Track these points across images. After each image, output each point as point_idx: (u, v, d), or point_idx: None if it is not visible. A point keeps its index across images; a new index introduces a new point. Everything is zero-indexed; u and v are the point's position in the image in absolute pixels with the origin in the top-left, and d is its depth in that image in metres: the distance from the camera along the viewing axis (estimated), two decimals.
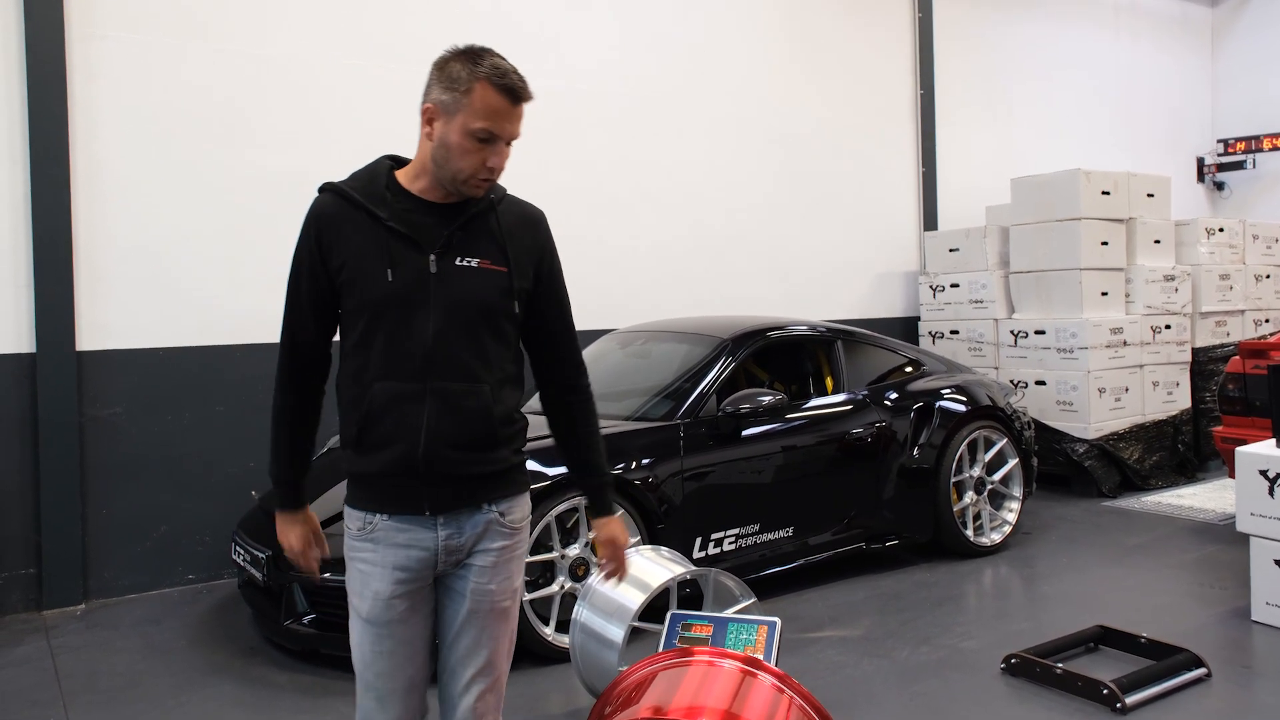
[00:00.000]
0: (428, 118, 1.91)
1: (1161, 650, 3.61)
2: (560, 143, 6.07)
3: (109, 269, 4.74)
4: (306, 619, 3.82)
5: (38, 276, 4.53)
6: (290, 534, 2.12)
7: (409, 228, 1.92)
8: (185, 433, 4.93)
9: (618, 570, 2.20)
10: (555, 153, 6.03)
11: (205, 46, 4.98)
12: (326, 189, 1.98)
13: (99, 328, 4.71)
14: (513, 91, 1.86)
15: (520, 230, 2.03)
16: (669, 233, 6.60)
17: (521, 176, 5.76)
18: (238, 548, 4.17)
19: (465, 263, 1.94)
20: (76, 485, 4.63)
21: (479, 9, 5.83)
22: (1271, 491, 3.97)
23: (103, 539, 4.74)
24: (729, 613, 2.18)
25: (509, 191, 2.07)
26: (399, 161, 2.02)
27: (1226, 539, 5.29)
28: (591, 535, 3.93)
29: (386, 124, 5.43)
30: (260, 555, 3.93)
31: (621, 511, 2.14)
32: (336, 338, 2.03)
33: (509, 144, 1.91)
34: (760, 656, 2.06)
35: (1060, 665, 3.49)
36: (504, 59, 1.89)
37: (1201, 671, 3.50)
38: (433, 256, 1.91)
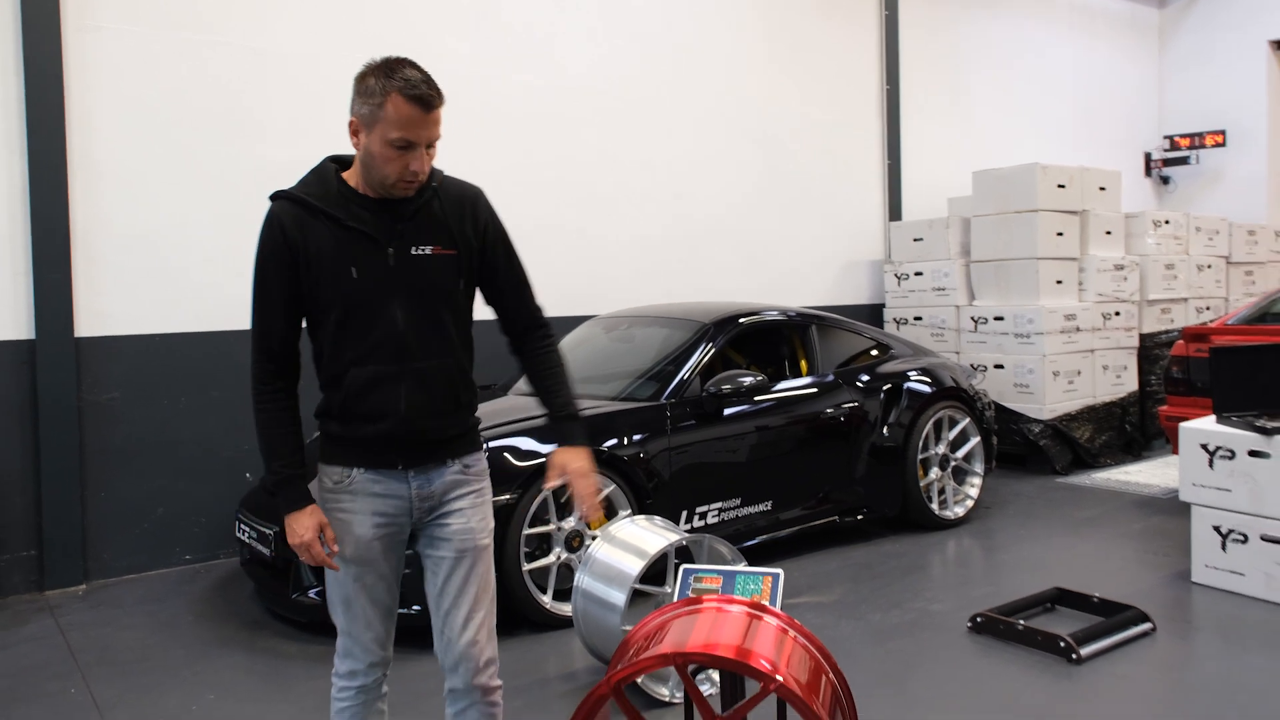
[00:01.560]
0: (353, 130, 2.08)
1: (1112, 608, 3.94)
2: (548, 138, 6.26)
3: (106, 257, 4.85)
4: (313, 591, 4.00)
5: (36, 264, 4.62)
6: (301, 528, 2.13)
7: (365, 225, 2.10)
8: (182, 417, 5.06)
9: (584, 501, 2.22)
10: (543, 148, 6.22)
11: (202, 38, 5.08)
12: (281, 196, 2.14)
13: (97, 314, 4.82)
14: (422, 100, 2.01)
15: (461, 210, 2.20)
16: (651, 225, 6.81)
17: (510, 169, 6.00)
18: (243, 525, 4.33)
19: (419, 251, 2.13)
20: (76, 468, 4.74)
21: (470, 6, 5.98)
22: (1211, 463, 4.31)
23: (102, 521, 4.85)
24: (736, 567, 2.42)
25: (448, 175, 2.24)
26: (342, 162, 2.19)
27: (1169, 510, 5.67)
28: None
29: None
30: (267, 531, 4.10)
31: (585, 447, 2.28)
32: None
33: (429, 147, 2.06)
34: (766, 603, 2.30)
35: (1021, 622, 3.80)
36: (417, 69, 2.03)
37: (1148, 626, 3.83)
38: (390, 250, 2.10)
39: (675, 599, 2.33)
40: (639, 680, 3.27)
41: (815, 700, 2.05)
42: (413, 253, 2.13)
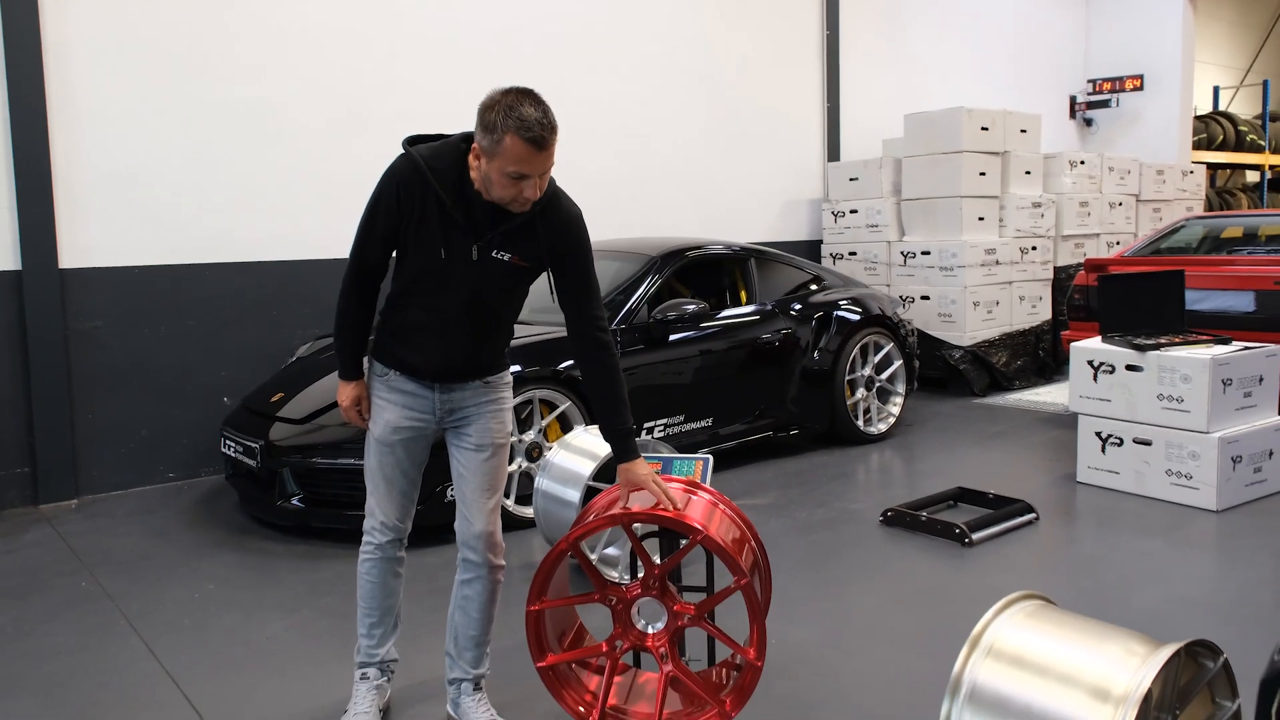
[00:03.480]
0: (474, 154, 2.36)
1: (1003, 502, 4.53)
2: (497, 77, 6.48)
3: (86, 192, 5.10)
4: (295, 499, 4.42)
5: (20, 199, 4.86)
6: (345, 395, 2.66)
7: (465, 219, 2.41)
8: (161, 345, 5.38)
9: (659, 496, 2.50)
10: (492, 86, 6.48)
11: None
12: (410, 158, 2.40)
13: (79, 247, 5.09)
14: (537, 142, 2.26)
15: (553, 233, 2.48)
16: (600, 163, 7.15)
17: (459, 107, 6.25)
18: (228, 441, 4.71)
19: (499, 255, 2.46)
20: (65, 392, 5.06)
21: None
22: (1095, 377, 4.90)
23: (90, 441, 5.19)
24: (673, 454, 2.90)
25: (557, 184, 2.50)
26: (470, 144, 2.40)
27: (1068, 425, 6.29)
28: (544, 424, 4.63)
29: (346, 57, 5.85)
30: (253, 445, 4.49)
31: (642, 457, 2.59)
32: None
33: (542, 176, 2.34)
34: (699, 481, 2.78)
35: (925, 514, 4.37)
36: (534, 107, 2.26)
37: (1032, 516, 4.44)
38: (475, 246, 2.43)
39: None
40: (594, 558, 3.77)
41: (739, 556, 2.55)
42: (493, 255, 2.46)
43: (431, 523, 4.11)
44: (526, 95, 2.33)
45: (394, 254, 2.56)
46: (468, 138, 2.44)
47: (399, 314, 2.58)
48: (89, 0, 5.04)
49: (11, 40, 4.78)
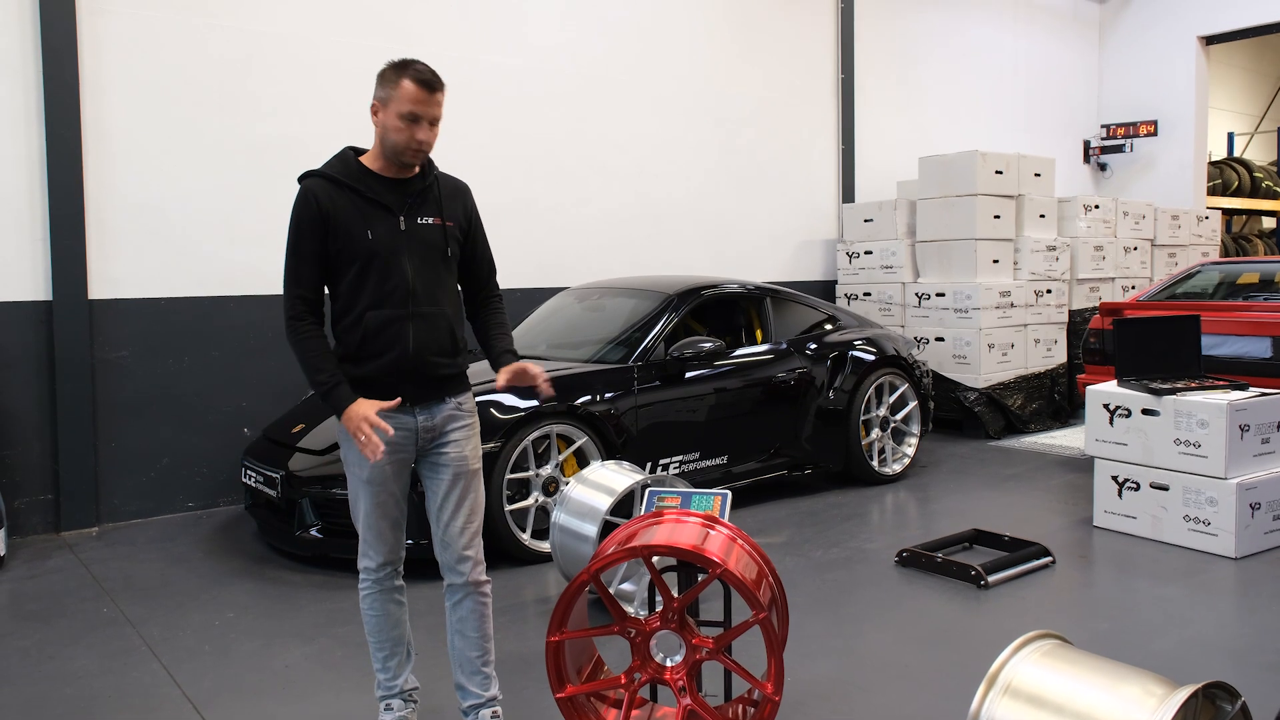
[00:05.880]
0: (374, 111, 2.63)
1: (1019, 545, 4.52)
2: (517, 116, 6.67)
3: (116, 225, 5.22)
4: (314, 529, 4.46)
5: (53, 231, 4.98)
6: (360, 412, 2.50)
7: (381, 197, 2.63)
8: (185, 375, 5.46)
9: (537, 378, 2.69)
10: (512, 125, 6.64)
11: (204, 20, 5.45)
12: (312, 175, 2.63)
13: (108, 278, 5.20)
14: (427, 83, 2.57)
15: (454, 197, 2.77)
16: (616, 201, 7.27)
17: (481, 145, 6.42)
18: (249, 471, 4.76)
19: (424, 220, 2.68)
20: (89, 420, 5.14)
21: None
22: (1111, 421, 4.91)
23: (112, 469, 5.26)
24: (692, 489, 2.93)
25: (443, 169, 2.80)
26: (358, 151, 2.71)
27: (1084, 469, 6.29)
28: (561, 458, 4.67)
29: (367, 98, 5.98)
30: (274, 475, 4.55)
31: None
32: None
33: (433, 124, 2.59)
34: (717, 516, 2.81)
35: (940, 556, 4.37)
36: (422, 63, 2.59)
37: (1049, 559, 4.43)
38: (401, 218, 2.64)
39: (642, 513, 2.83)
40: (611, 590, 3.78)
41: (758, 590, 2.57)
42: (418, 221, 2.67)
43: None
44: (414, 59, 2.63)
45: (327, 289, 2.67)
46: (350, 148, 2.73)
47: (357, 332, 2.62)
48: (124, 41, 5.21)
49: (51, 78, 4.94)
